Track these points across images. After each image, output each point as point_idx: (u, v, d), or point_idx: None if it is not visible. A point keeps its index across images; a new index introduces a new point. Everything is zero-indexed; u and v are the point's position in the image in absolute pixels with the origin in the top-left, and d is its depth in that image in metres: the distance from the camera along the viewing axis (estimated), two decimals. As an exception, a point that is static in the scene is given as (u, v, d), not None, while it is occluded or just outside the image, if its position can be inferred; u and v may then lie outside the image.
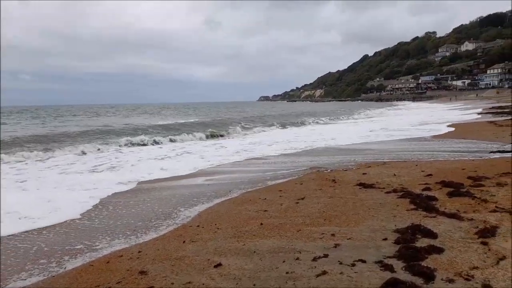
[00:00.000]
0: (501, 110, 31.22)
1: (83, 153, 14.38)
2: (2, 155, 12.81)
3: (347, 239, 4.24)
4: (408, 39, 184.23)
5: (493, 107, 37.69)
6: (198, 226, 5.12)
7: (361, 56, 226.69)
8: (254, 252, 4.02)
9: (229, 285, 3.30)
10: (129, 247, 4.52)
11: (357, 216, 5.04)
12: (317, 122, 33.08)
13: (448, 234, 4.17)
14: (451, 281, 3.13)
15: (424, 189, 6.21)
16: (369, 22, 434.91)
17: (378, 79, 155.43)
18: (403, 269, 3.39)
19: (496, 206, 5.01)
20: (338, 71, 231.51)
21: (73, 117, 48.22)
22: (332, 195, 6.25)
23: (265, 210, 5.60)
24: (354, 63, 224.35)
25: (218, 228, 4.94)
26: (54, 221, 5.65)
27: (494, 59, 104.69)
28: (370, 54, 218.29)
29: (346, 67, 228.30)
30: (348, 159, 10.39)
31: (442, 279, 3.16)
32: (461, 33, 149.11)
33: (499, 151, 10.26)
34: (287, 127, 27.98)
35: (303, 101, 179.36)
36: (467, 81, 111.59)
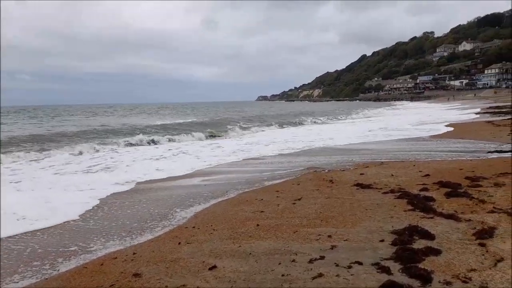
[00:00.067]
0: (499, 110, 31.24)
1: (80, 153, 14.33)
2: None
3: (344, 240, 4.20)
4: (406, 39, 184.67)
5: (490, 107, 37.70)
6: (194, 227, 5.07)
7: (359, 56, 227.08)
8: (250, 254, 3.98)
9: (223, 288, 3.26)
10: (123, 249, 4.47)
11: (354, 217, 5.00)
12: (315, 122, 33.08)
13: (446, 236, 4.13)
14: (448, 283, 3.09)
15: (421, 190, 6.17)
16: (367, 22, 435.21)
17: (376, 79, 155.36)
18: (400, 271, 3.36)
19: (494, 207, 4.98)
20: (336, 71, 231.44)
21: (70, 117, 48.10)
22: (329, 196, 6.21)
23: (262, 211, 5.55)
24: (352, 63, 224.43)
25: (214, 230, 4.89)
26: (52, 222, 5.58)
27: (491, 59, 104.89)
28: (368, 54, 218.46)
29: (344, 67, 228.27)
30: (346, 159, 10.36)
31: (439, 282, 3.13)
32: (459, 33, 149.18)
33: (497, 151, 10.24)
34: (285, 127, 27.97)
35: (301, 101, 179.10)
36: (465, 81, 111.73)
